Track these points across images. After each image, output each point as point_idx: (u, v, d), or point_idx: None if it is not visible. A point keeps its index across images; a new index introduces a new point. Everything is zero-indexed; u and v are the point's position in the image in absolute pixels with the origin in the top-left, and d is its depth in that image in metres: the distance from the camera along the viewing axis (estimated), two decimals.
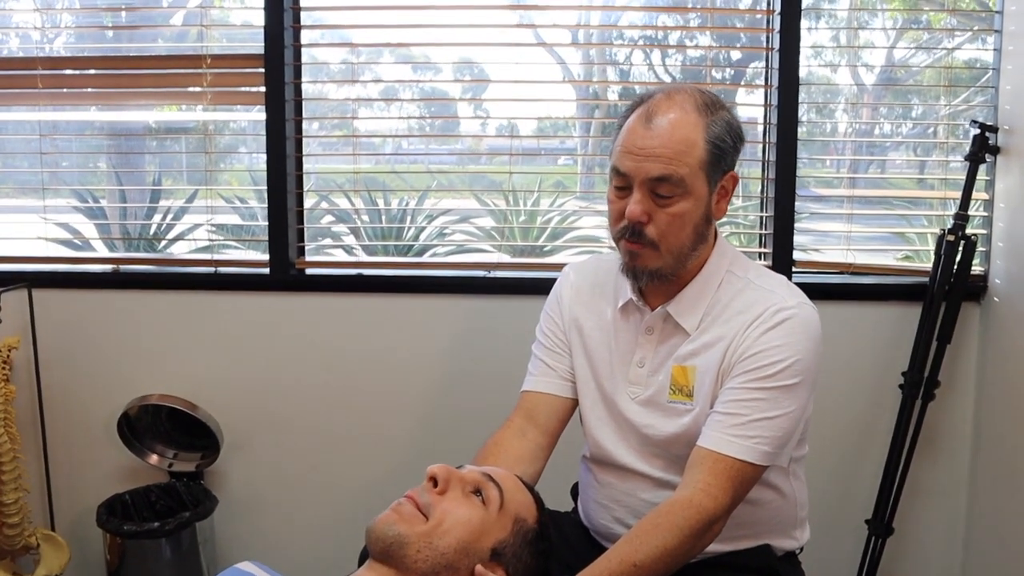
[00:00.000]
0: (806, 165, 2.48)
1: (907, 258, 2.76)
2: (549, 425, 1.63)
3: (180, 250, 2.85)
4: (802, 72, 2.37)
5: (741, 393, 1.45)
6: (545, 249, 2.75)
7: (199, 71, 2.48)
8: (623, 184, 1.47)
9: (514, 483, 1.31)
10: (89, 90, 2.62)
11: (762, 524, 1.60)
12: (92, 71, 2.58)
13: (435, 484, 1.23)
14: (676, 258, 1.49)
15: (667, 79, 2.89)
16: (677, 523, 1.35)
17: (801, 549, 1.70)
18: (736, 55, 2.79)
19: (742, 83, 2.66)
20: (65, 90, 2.56)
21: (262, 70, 2.45)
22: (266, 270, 2.52)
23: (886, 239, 2.73)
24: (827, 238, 2.53)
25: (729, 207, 1.55)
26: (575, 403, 1.66)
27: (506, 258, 2.60)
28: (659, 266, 1.49)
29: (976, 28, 2.50)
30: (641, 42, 2.66)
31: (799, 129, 2.39)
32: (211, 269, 2.56)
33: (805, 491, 1.68)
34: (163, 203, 3.03)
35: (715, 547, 1.47)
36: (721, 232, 1.60)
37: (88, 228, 3.01)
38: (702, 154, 1.44)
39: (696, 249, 1.51)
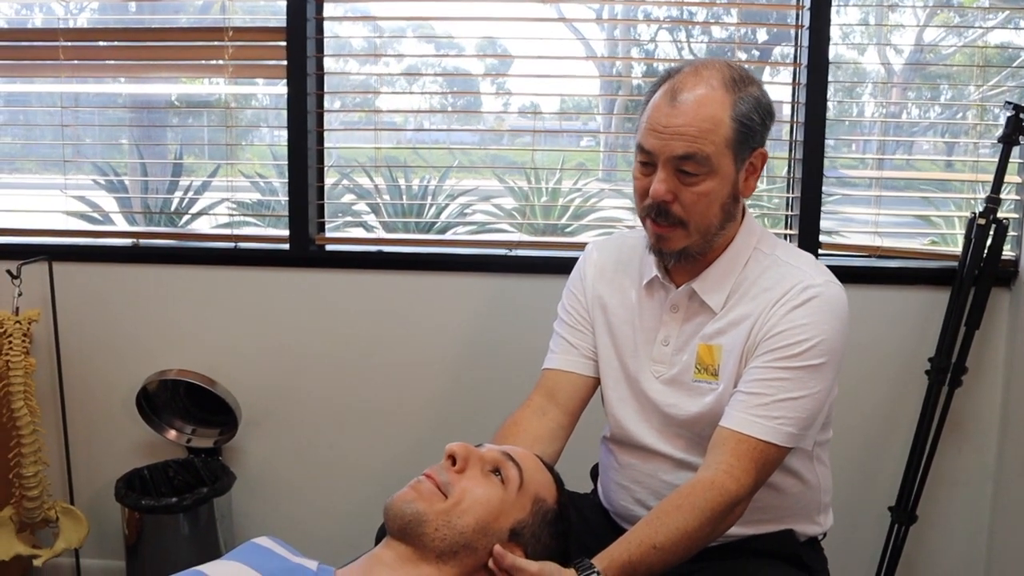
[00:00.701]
0: (832, 148, 2.43)
1: (934, 243, 2.71)
2: (570, 404, 1.61)
3: (200, 225, 2.84)
4: (830, 53, 2.31)
5: (765, 372, 1.42)
6: (567, 229, 2.72)
7: (221, 44, 2.47)
8: (648, 161, 1.44)
9: (534, 463, 1.29)
10: (111, 62, 2.62)
11: (785, 509, 1.58)
12: (114, 43, 2.57)
13: (454, 462, 1.22)
14: (704, 236, 1.46)
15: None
16: (699, 504, 1.32)
17: (824, 535, 1.67)
18: (762, 36, 2.74)
19: (769, 61, 2.61)
20: (87, 62, 2.55)
21: (284, 43, 2.43)
22: (286, 246, 2.51)
23: (913, 224, 2.68)
24: (853, 222, 2.48)
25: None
26: (596, 382, 1.64)
27: (527, 238, 2.58)
28: (686, 245, 1.46)
29: (1011, 8, 2.44)
30: (666, 20, 2.62)
31: None
32: (231, 244, 2.55)
33: (829, 476, 1.66)
34: (184, 179, 3.02)
35: (737, 530, 1.45)
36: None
37: (108, 202, 3.00)
38: (728, 132, 1.40)
39: (724, 227, 1.48)
